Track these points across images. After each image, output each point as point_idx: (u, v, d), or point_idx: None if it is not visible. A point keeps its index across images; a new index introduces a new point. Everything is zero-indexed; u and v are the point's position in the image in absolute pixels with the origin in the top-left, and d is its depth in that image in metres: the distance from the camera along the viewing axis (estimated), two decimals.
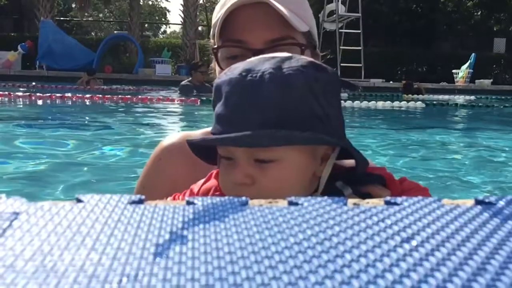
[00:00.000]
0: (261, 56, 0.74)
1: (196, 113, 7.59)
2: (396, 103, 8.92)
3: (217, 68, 1.02)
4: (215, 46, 1.00)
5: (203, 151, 0.77)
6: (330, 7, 13.81)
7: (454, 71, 15.84)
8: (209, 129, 1.16)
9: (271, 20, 0.93)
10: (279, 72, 0.68)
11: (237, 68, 0.70)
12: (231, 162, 0.71)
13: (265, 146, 0.67)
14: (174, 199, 0.85)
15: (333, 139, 0.70)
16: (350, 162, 0.74)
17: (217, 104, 0.71)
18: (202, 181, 0.82)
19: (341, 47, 13.41)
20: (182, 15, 18.50)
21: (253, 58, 0.74)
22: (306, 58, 0.73)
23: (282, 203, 0.45)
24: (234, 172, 0.69)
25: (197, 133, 1.15)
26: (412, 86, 11.68)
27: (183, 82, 9.62)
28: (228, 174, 0.71)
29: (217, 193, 0.76)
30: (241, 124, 0.67)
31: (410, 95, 10.96)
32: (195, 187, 0.83)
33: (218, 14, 0.99)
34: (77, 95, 8.64)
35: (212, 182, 0.80)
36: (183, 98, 8.67)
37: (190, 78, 9.52)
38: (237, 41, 0.96)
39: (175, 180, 1.07)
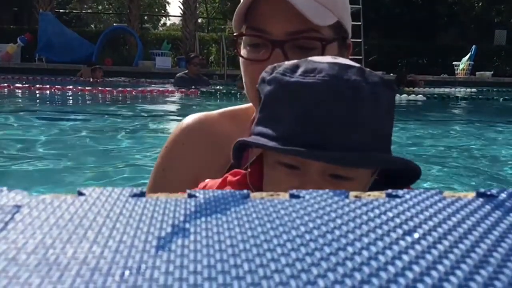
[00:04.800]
0: (335, 60, 0.68)
1: (195, 105, 7.58)
2: (396, 96, 8.89)
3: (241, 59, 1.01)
4: (236, 34, 0.99)
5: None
6: None
7: (454, 63, 15.82)
8: (227, 109, 1.15)
9: (293, 12, 0.90)
10: (367, 86, 0.64)
11: (316, 70, 0.64)
12: (294, 171, 0.66)
13: (363, 168, 0.65)
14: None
15: (413, 163, 0.67)
16: None
17: (287, 106, 0.64)
18: (214, 182, 0.77)
19: None
20: (182, 7, 18.43)
21: (328, 61, 0.67)
22: (374, 73, 0.69)
23: (284, 196, 0.45)
24: (306, 187, 0.64)
25: (215, 114, 1.14)
26: (405, 78, 11.57)
27: (178, 74, 9.66)
28: (289, 184, 0.64)
29: None
30: (334, 142, 0.62)
31: (408, 88, 10.90)
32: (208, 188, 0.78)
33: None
34: (78, 87, 8.63)
35: (228, 188, 0.74)
36: (183, 90, 8.67)
37: (186, 71, 9.54)
38: (259, 30, 0.94)
39: (195, 162, 1.08)
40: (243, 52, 0.99)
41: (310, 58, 0.70)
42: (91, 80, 10.89)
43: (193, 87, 8.94)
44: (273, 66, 0.71)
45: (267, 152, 0.69)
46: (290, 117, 0.64)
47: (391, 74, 14.08)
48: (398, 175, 0.70)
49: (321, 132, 0.62)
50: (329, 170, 0.65)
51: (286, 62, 0.71)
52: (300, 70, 0.66)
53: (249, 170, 0.74)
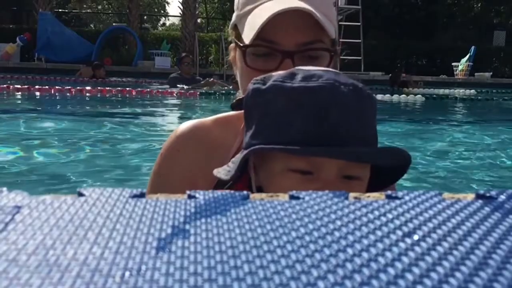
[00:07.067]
0: (321, 68, 0.72)
1: (194, 105, 7.58)
2: (395, 96, 8.91)
3: (239, 64, 1.00)
4: (245, 44, 0.98)
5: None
6: None
7: (453, 64, 15.80)
8: (221, 115, 1.15)
9: (305, 23, 0.92)
10: (364, 88, 0.68)
11: (316, 76, 0.67)
12: (307, 177, 0.66)
13: (383, 162, 0.68)
14: None
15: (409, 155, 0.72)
16: None
17: (294, 110, 0.65)
18: None
19: (341, 40, 13.34)
20: (181, 7, 18.41)
21: (319, 68, 0.71)
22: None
23: (283, 197, 0.45)
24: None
25: (208, 120, 1.15)
26: (399, 77, 11.44)
27: (172, 75, 9.74)
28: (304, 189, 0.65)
29: None
30: (349, 141, 0.64)
31: (407, 89, 10.82)
32: None
33: (246, 7, 0.97)
34: (77, 87, 8.61)
35: None
36: (182, 91, 8.67)
37: (179, 71, 9.60)
38: (269, 41, 0.95)
39: (191, 168, 1.09)
40: (248, 60, 0.99)
41: (298, 67, 0.72)
42: (93, 78, 10.85)
43: (186, 86, 8.96)
44: (262, 77, 0.72)
45: (273, 161, 0.69)
46: (300, 121, 0.65)
47: (390, 75, 14.08)
48: (384, 170, 0.72)
49: (335, 133, 0.64)
50: (344, 171, 0.66)
51: (275, 73, 0.72)
52: (299, 77, 0.68)
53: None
